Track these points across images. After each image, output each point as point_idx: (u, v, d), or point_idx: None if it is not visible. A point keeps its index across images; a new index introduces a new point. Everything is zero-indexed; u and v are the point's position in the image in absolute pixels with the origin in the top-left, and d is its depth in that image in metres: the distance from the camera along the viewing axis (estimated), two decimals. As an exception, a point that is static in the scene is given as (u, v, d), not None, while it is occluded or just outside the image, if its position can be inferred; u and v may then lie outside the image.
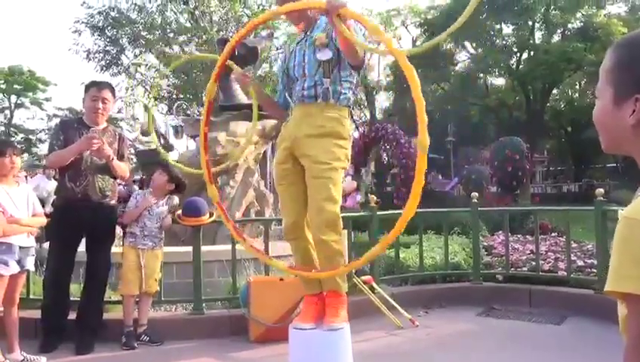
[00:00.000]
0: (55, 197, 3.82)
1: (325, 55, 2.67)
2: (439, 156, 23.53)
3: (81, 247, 3.68)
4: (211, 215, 4.01)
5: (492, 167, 13.34)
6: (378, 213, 4.75)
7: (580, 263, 4.77)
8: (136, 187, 8.72)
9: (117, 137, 3.74)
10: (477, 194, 5.22)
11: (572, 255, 4.70)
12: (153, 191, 3.84)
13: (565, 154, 33.58)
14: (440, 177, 22.81)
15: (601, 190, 4.48)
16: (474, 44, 25.58)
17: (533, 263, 4.79)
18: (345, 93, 2.75)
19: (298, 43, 2.84)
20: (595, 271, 4.43)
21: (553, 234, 6.86)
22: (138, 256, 3.66)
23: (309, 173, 2.68)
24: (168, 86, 22.17)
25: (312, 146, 2.64)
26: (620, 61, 0.93)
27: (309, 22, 2.79)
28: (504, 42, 24.39)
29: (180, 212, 3.96)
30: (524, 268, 4.89)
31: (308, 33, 2.79)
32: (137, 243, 3.68)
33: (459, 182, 16.49)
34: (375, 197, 4.90)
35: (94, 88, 3.62)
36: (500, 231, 6.08)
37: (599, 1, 22.38)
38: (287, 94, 2.94)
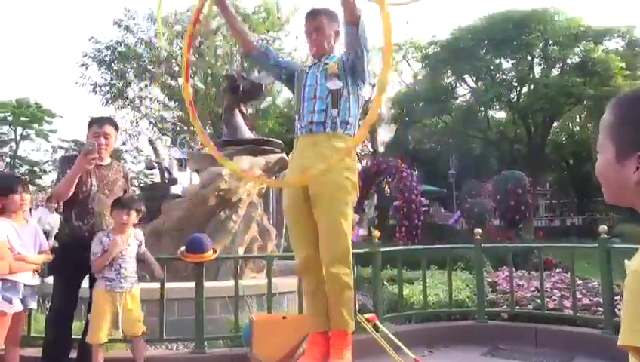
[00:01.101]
0: (58, 231, 3.80)
1: (335, 85, 2.74)
2: (441, 189, 23.56)
3: (84, 282, 3.66)
4: (215, 251, 4.01)
5: (495, 201, 13.32)
6: (381, 249, 4.74)
7: (586, 301, 4.71)
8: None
9: (122, 174, 3.76)
10: (480, 230, 5.19)
11: (577, 292, 4.65)
12: (116, 230, 3.39)
13: (567, 187, 33.60)
14: (442, 210, 22.73)
15: (605, 227, 4.44)
16: (474, 78, 25.98)
17: (539, 301, 4.73)
18: (352, 123, 2.81)
19: (310, 67, 2.93)
20: (601, 309, 4.38)
21: (558, 270, 6.80)
22: (114, 300, 3.32)
23: (320, 208, 2.69)
24: (173, 118, 22.42)
25: (322, 178, 2.65)
26: (620, 118, 0.93)
27: (326, 49, 2.89)
28: (504, 76, 24.77)
29: (183, 249, 3.95)
30: (529, 306, 4.84)
31: (322, 60, 2.87)
32: (114, 287, 3.32)
33: (461, 216, 16.43)
34: (378, 232, 4.90)
35: (95, 125, 3.64)
36: (504, 266, 6.04)
37: (597, 36, 22.82)
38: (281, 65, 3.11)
